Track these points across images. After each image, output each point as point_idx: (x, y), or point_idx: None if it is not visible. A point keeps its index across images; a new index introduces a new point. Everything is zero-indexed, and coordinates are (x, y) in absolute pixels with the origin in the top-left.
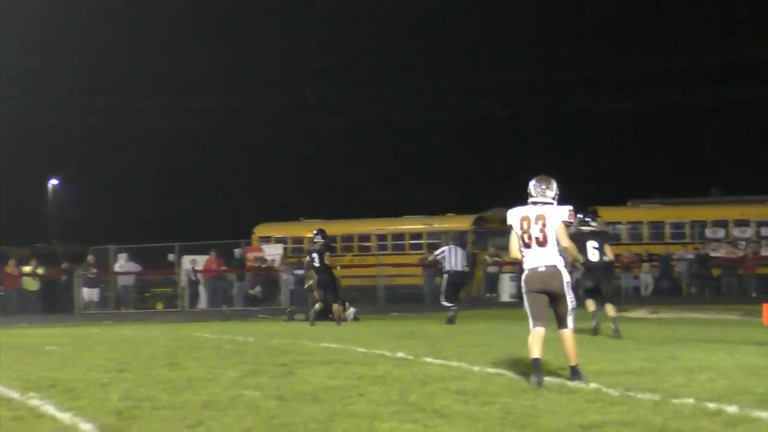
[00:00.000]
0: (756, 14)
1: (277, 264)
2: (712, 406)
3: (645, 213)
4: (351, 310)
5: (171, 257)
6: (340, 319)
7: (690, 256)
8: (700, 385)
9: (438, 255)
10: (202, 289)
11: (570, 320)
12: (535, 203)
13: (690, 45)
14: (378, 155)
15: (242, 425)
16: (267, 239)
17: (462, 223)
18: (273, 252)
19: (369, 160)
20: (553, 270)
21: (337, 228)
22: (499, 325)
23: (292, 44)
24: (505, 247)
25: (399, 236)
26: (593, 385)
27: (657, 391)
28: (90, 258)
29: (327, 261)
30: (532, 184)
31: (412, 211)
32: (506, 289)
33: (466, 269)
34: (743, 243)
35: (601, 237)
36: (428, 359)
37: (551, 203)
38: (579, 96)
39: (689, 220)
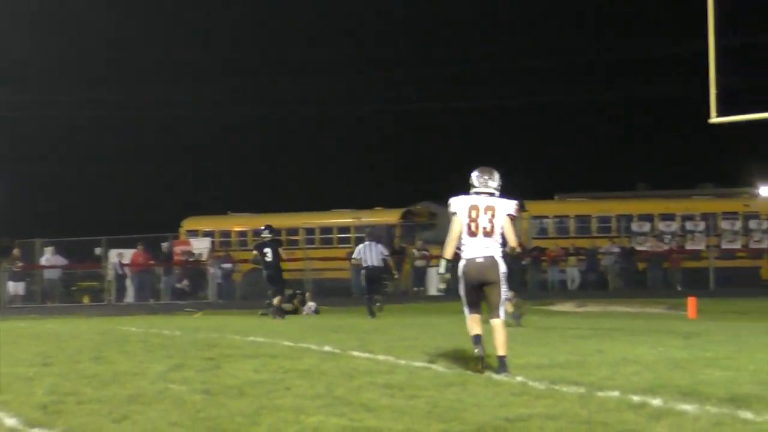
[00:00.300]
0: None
1: (204, 258)
2: (636, 399)
3: (572, 207)
4: (311, 304)
5: (98, 251)
6: (283, 313)
7: (616, 249)
8: (625, 378)
9: (355, 255)
10: (129, 283)
11: (502, 311)
12: (478, 193)
13: (618, 39)
14: (307, 149)
15: (168, 419)
16: (194, 233)
17: (390, 217)
18: (200, 246)
19: (298, 153)
20: (491, 261)
21: (265, 222)
22: (426, 319)
23: (217, 35)
24: (432, 241)
25: (327, 230)
26: (519, 378)
27: (582, 385)
28: (15, 251)
29: (283, 255)
30: (474, 174)
31: (340, 204)
32: (433, 282)
33: (382, 264)
34: (668, 237)
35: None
36: (355, 353)
37: (494, 193)
38: (507, 90)
39: (615, 214)
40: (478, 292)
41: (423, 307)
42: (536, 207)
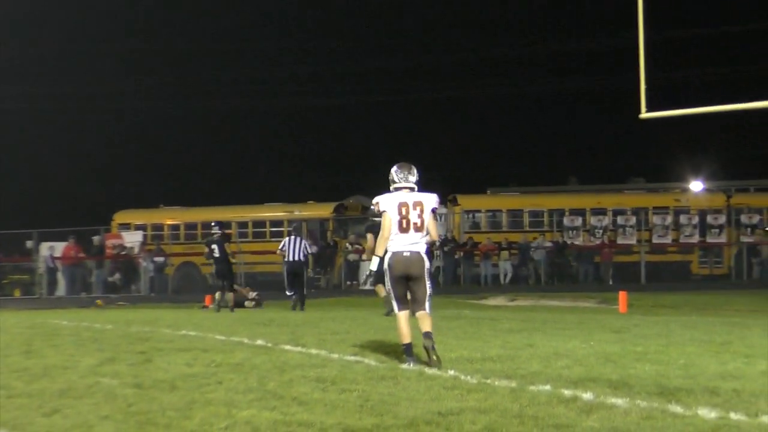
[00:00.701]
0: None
1: (136, 251)
2: (567, 392)
3: (504, 201)
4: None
5: (29, 244)
6: (233, 307)
7: (548, 244)
8: (557, 372)
9: (281, 248)
10: (60, 276)
11: (428, 305)
12: (398, 189)
13: (550, 32)
14: (241, 142)
15: (99, 413)
16: (126, 226)
17: (322, 210)
18: (132, 239)
19: (230, 146)
20: (417, 256)
21: (198, 215)
22: (359, 313)
23: (150, 25)
24: (364, 235)
25: (260, 224)
26: (451, 372)
27: (514, 378)
28: None
29: (228, 250)
30: (394, 170)
31: (273, 198)
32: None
33: (303, 259)
34: (600, 231)
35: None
36: (287, 347)
37: (414, 188)
38: (439, 83)
39: (547, 208)
40: (404, 285)
41: (355, 300)
42: (468, 201)
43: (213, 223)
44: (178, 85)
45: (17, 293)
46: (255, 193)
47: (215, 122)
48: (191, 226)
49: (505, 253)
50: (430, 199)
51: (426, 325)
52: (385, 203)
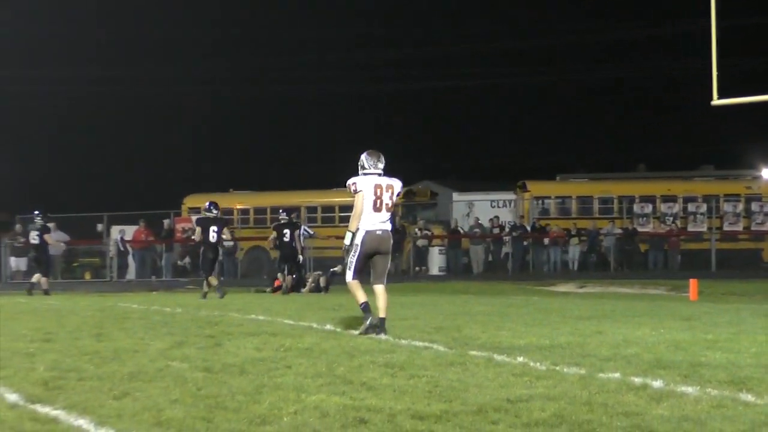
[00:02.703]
0: None
1: None
2: (637, 380)
3: (573, 188)
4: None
5: (99, 227)
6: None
7: (618, 231)
8: (626, 359)
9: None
10: (130, 260)
11: (385, 278)
12: (367, 174)
13: (622, 17)
14: (314, 126)
15: (169, 397)
16: (197, 210)
17: None
18: None
19: (302, 130)
20: (388, 234)
21: (267, 200)
22: (427, 298)
23: (221, 11)
24: (434, 221)
25: (329, 209)
26: (520, 359)
27: (583, 366)
28: (18, 227)
29: (296, 237)
30: (364, 157)
31: (342, 183)
32: (435, 262)
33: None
34: (670, 218)
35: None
36: (356, 332)
37: (381, 173)
38: (510, 69)
39: (617, 195)
40: (367, 260)
41: (424, 286)
42: (538, 187)
43: (281, 210)
44: (251, 69)
45: (88, 276)
46: (324, 178)
47: (287, 105)
48: (260, 211)
49: (574, 240)
50: (398, 184)
51: (383, 309)
52: (362, 184)
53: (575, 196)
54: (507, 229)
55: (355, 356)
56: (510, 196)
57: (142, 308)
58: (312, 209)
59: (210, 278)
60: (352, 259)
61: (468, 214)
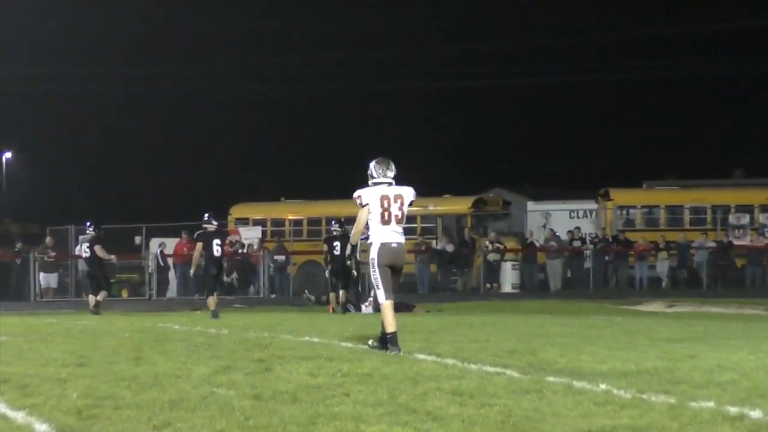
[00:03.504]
0: None
1: (255, 249)
2: (733, 410)
3: (662, 196)
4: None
5: (137, 240)
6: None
7: (711, 244)
8: (721, 387)
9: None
10: (171, 276)
11: (395, 294)
12: (377, 184)
13: (711, 11)
14: (372, 128)
15: (214, 427)
16: (244, 221)
17: (459, 205)
18: (250, 235)
19: (358, 133)
20: (403, 247)
21: (322, 209)
22: (499, 319)
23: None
24: (506, 233)
25: None
26: (603, 386)
27: (673, 394)
28: (48, 240)
29: (348, 250)
30: (372, 165)
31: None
32: (508, 278)
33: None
34: None
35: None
36: (421, 356)
37: (392, 183)
38: (592, 65)
39: (710, 204)
40: (389, 274)
41: (495, 305)
42: (622, 195)
43: (333, 222)
44: (297, 69)
45: (125, 294)
46: None
47: (340, 107)
48: (314, 222)
49: (662, 254)
50: (409, 193)
51: (393, 323)
52: (368, 196)
53: (664, 205)
54: (588, 242)
55: (420, 383)
56: (591, 205)
57: (185, 329)
58: None
59: (209, 299)
60: (375, 276)
61: (544, 226)
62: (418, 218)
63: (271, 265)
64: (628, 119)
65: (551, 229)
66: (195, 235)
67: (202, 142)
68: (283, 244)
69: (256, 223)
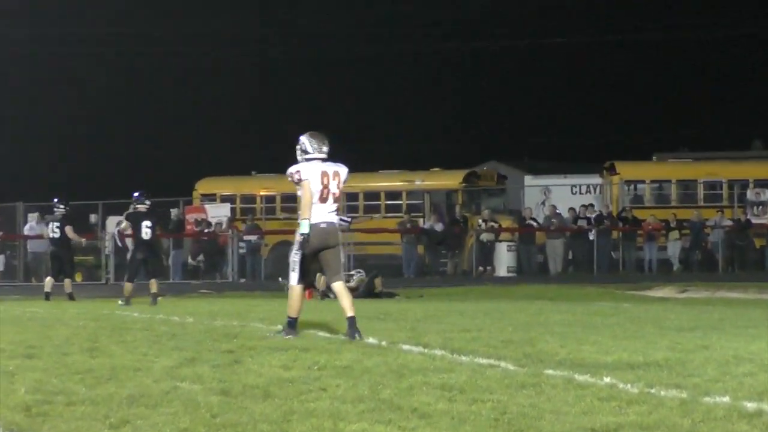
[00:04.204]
0: None
1: (223, 228)
2: (750, 405)
3: (673, 170)
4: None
5: (93, 218)
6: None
7: (727, 222)
8: (737, 380)
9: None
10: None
11: (342, 274)
12: (309, 160)
13: None
14: (353, 96)
15: (177, 425)
16: (211, 197)
17: (449, 180)
18: (218, 213)
19: (339, 101)
20: (333, 226)
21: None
22: (493, 306)
23: None
24: (502, 211)
25: (373, 195)
26: (607, 379)
27: (684, 388)
28: None
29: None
30: (305, 139)
31: (388, 165)
32: (503, 261)
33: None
34: None
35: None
36: (406, 346)
37: (327, 159)
38: (597, 29)
39: (726, 178)
40: (314, 258)
41: (490, 290)
42: (630, 169)
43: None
44: (286, 33)
45: (79, 278)
46: (368, 159)
47: (324, 69)
48: (290, 198)
49: (674, 234)
50: (344, 170)
51: (348, 307)
52: (308, 172)
53: (675, 179)
54: (591, 221)
55: (405, 376)
56: (595, 180)
57: (145, 317)
58: (352, 196)
59: (126, 284)
60: (294, 259)
61: (543, 203)
62: (404, 194)
63: (242, 246)
64: (637, 84)
65: (553, 206)
66: (124, 216)
67: (166, 110)
68: (255, 222)
69: (224, 199)
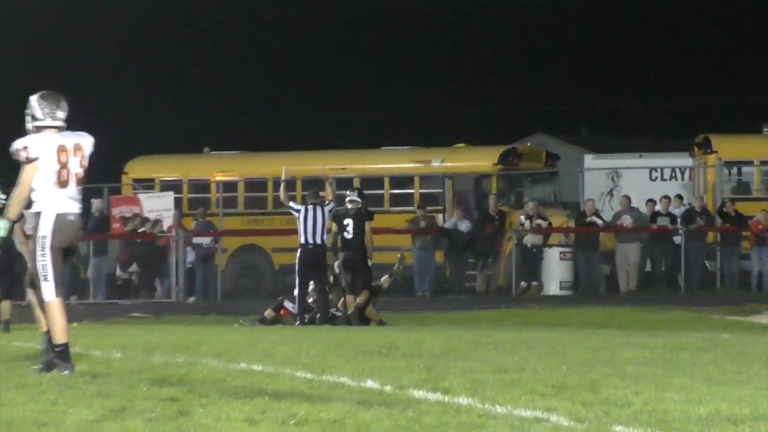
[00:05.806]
0: None
1: (163, 227)
2: None
3: None
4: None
5: None
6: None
7: None
8: None
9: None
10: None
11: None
12: (40, 128)
13: None
14: (343, 54)
15: None
16: (147, 184)
17: (480, 160)
18: (157, 206)
19: (326, 60)
20: (80, 219)
21: (267, 165)
22: (541, 336)
23: None
24: (553, 203)
25: (374, 181)
26: None
27: None
28: None
29: (368, 231)
30: (35, 102)
31: (396, 140)
32: (555, 274)
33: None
34: None
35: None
36: (419, 393)
37: (63, 127)
38: None
39: None
40: (61, 260)
41: (536, 314)
42: (731, 146)
43: (353, 190)
44: None
45: None
46: (366, 131)
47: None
48: (258, 185)
49: None
50: (88, 142)
51: (61, 333)
52: (38, 147)
53: None
54: (678, 218)
55: None
56: (683, 161)
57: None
58: (344, 182)
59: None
60: (45, 263)
61: (611, 192)
62: (417, 180)
63: (190, 251)
64: (735, 34)
65: (625, 197)
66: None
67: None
68: (208, 219)
69: (165, 186)
